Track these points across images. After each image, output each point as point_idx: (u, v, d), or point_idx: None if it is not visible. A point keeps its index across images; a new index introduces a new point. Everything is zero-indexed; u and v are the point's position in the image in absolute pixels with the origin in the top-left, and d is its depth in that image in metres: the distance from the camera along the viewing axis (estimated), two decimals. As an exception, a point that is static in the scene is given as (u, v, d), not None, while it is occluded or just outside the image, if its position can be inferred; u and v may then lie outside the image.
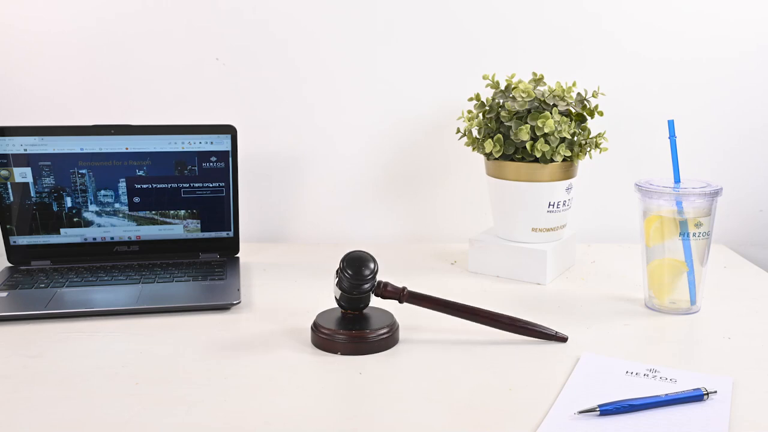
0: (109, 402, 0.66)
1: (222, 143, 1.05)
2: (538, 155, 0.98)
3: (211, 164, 1.05)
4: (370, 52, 1.17)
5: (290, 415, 0.65)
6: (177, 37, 1.15)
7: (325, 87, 1.18)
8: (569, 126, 0.99)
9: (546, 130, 0.97)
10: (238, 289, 0.94)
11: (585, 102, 1.02)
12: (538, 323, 0.82)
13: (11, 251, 1.03)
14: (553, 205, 1.03)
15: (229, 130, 1.05)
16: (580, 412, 0.66)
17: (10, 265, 1.02)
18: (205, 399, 0.67)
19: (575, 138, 1.00)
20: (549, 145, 0.98)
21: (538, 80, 1.04)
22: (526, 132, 0.97)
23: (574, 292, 0.98)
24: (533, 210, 1.03)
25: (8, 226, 1.01)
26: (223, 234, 1.08)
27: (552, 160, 0.98)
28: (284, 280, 1.01)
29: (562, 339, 0.81)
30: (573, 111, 1.02)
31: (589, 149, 1.02)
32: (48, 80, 1.15)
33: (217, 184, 1.06)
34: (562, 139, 0.98)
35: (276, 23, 1.15)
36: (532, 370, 0.74)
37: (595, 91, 1.03)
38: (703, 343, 0.83)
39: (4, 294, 0.91)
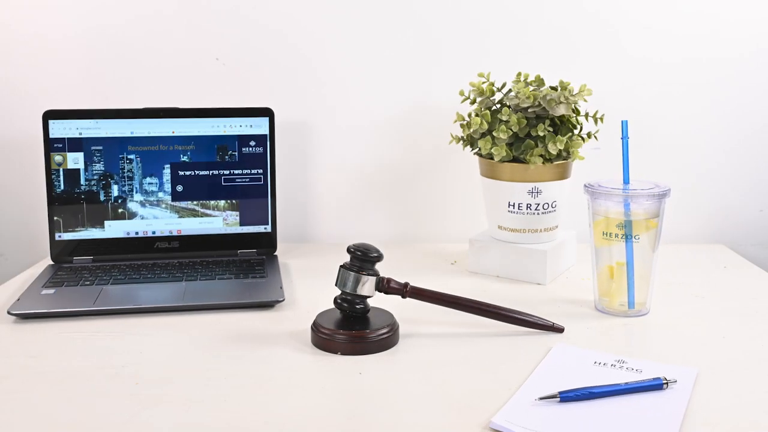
0: (111, 401, 0.69)
1: (261, 126, 1.09)
2: (484, 153, 1.01)
3: (251, 149, 1.10)
4: (374, 52, 1.19)
5: (290, 415, 0.66)
6: (177, 37, 1.18)
7: (327, 85, 1.20)
8: (511, 126, 0.99)
9: (470, 129, 1.01)
10: (281, 287, 0.97)
11: (560, 103, 1.00)
12: (537, 315, 0.85)
13: (55, 247, 1.06)
14: (514, 206, 1.03)
15: (267, 113, 1.09)
16: (541, 398, 0.68)
17: (52, 262, 1.06)
18: (204, 399, 0.69)
19: (530, 140, 1.00)
20: (494, 144, 1.01)
21: (530, 82, 1.05)
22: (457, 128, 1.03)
23: (574, 293, 0.98)
24: (495, 208, 1.05)
25: (55, 218, 1.06)
26: (261, 228, 1.12)
27: (504, 160, 1.01)
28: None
29: (559, 330, 0.84)
30: (559, 115, 1.01)
31: (563, 153, 1.01)
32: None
33: (256, 171, 1.10)
34: (518, 138, 1.00)
35: (278, 23, 1.18)
36: (531, 369, 0.75)
37: (563, 84, 1.02)
38: (698, 340, 0.84)
39: (51, 291, 0.95)
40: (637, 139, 1.17)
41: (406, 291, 0.84)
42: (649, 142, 1.19)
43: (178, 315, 0.91)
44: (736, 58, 1.18)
